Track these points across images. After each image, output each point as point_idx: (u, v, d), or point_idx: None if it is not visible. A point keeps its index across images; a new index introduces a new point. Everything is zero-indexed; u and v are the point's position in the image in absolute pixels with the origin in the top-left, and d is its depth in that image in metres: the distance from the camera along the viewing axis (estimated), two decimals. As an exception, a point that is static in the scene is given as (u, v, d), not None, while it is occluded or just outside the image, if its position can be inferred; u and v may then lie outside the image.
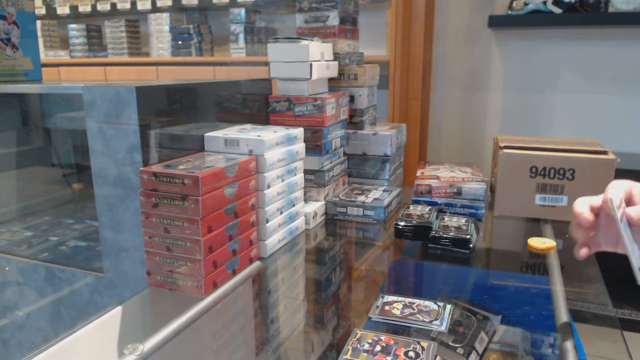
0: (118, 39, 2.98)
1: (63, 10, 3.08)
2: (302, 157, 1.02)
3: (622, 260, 0.70)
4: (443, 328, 0.67)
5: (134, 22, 3.00)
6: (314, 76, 1.08)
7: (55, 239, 1.16)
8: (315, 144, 1.09)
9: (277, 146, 0.92)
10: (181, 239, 0.75)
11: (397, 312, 0.71)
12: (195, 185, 0.72)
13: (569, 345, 0.64)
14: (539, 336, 0.68)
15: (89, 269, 0.95)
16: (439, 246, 0.96)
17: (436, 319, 0.69)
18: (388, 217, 1.12)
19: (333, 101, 1.12)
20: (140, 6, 2.83)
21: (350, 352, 0.60)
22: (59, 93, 1.32)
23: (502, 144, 1.14)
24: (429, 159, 2.42)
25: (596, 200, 0.64)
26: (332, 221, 1.13)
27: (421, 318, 0.69)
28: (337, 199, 1.14)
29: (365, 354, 0.59)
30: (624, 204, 0.63)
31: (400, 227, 1.01)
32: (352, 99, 1.27)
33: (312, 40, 1.10)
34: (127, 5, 2.87)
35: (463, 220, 1.02)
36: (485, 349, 0.65)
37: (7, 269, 1.05)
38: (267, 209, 0.90)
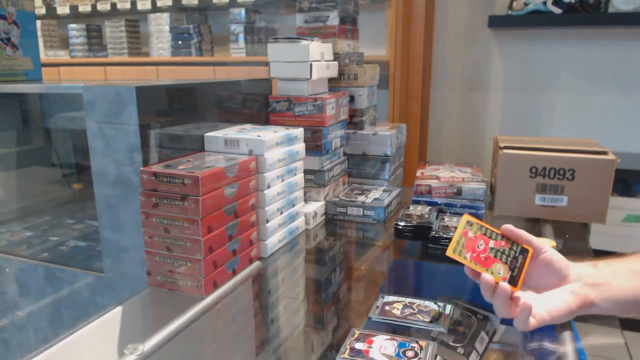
0: (118, 38, 2.97)
1: (63, 10, 3.07)
2: (302, 157, 1.02)
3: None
4: (443, 328, 0.67)
5: (134, 22, 3.00)
6: (314, 76, 1.08)
7: (55, 239, 1.16)
8: (315, 144, 1.09)
9: (277, 146, 0.92)
10: (181, 239, 0.75)
11: (397, 312, 0.71)
12: (195, 185, 0.72)
13: (568, 344, 0.64)
14: (539, 336, 0.68)
15: (89, 269, 0.95)
16: (439, 246, 0.96)
17: (436, 319, 0.69)
18: (388, 217, 1.12)
19: (333, 101, 1.12)
20: (140, 6, 2.83)
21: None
22: (59, 93, 1.32)
23: (502, 144, 1.14)
24: (429, 159, 2.41)
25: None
26: (332, 221, 1.13)
27: (421, 318, 0.69)
28: (337, 199, 1.14)
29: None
30: None
31: (400, 227, 1.01)
32: (352, 99, 1.27)
33: (312, 40, 1.10)
34: (127, 5, 2.87)
35: (463, 220, 1.02)
36: (485, 349, 0.65)
37: (7, 270, 1.05)
38: (267, 209, 0.90)
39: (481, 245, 0.68)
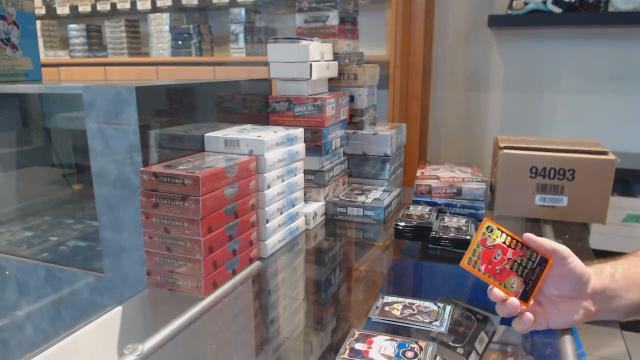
0: (118, 39, 2.97)
1: (63, 10, 3.07)
2: (302, 157, 1.02)
3: (622, 261, 0.70)
4: (443, 329, 0.67)
5: (134, 22, 3.00)
6: (314, 76, 1.08)
7: (55, 239, 1.16)
8: (315, 144, 1.09)
9: (277, 146, 0.92)
10: (181, 239, 0.75)
11: (397, 312, 0.71)
12: (195, 185, 0.72)
13: (568, 345, 0.64)
14: (539, 336, 0.68)
15: (89, 269, 0.95)
16: (439, 247, 0.96)
17: (436, 320, 0.69)
18: (388, 217, 1.12)
19: (333, 101, 1.12)
20: (140, 6, 2.83)
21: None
22: (59, 93, 1.32)
23: (502, 144, 1.14)
24: (429, 159, 2.41)
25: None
26: (332, 221, 1.13)
27: (421, 319, 0.69)
28: (337, 199, 1.14)
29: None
30: None
31: (400, 227, 1.01)
32: (352, 99, 1.27)
33: (312, 40, 1.10)
34: (127, 5, 2.86)
35: (463, 221, 1.02)
36: (485, 349, 0.65)
37: (7, 272, 1.05)
38: (267, 209, 0.90)
39: (498, 255, 0.66)
